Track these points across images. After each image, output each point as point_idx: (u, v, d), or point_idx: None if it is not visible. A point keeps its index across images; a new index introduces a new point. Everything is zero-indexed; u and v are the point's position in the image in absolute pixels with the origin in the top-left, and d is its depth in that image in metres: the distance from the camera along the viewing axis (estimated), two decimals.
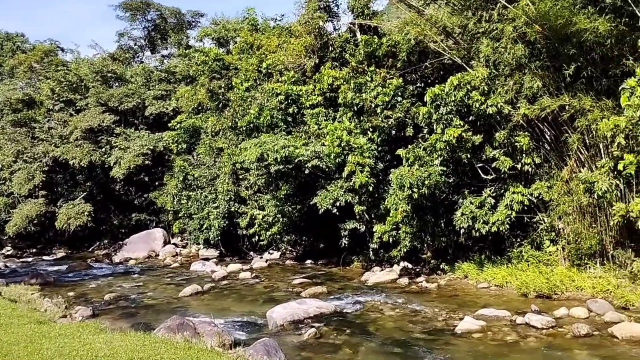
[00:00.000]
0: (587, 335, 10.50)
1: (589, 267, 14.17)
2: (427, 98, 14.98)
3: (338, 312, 13.33)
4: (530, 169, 14.92)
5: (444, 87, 14.85)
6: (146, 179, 28.84)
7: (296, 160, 17.42)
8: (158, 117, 28.21)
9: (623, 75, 12.72)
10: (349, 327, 12.08)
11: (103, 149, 26.70)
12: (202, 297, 16.11)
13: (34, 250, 29.85)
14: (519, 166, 14.94)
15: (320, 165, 17.48)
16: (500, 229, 14.71)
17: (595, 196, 12.71)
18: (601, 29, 12.43)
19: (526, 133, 14.81)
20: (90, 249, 29.05)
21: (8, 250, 30.16)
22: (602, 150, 13.76)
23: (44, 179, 26.22)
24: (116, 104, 27.72)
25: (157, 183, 28.00)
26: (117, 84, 29.05)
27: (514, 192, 14.86)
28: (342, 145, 16.87)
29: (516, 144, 14.81)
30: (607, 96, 13.32)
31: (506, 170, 14.84)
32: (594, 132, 13.36)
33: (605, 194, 12.42)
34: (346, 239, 18.21)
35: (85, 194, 27.70)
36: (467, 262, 16.43)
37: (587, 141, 13.92)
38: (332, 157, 16.96)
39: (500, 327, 11.34)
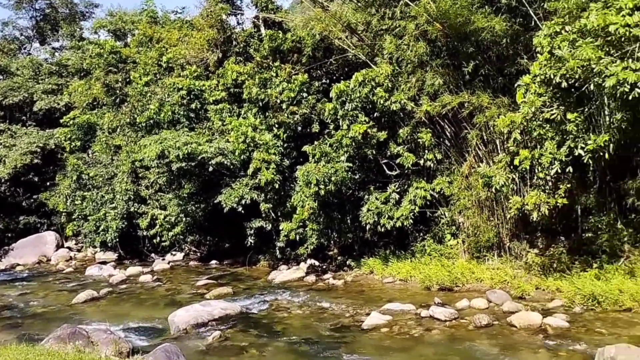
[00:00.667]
0: (488, 326, 10.78)
1: (488, 259, 14.67)
2: (332, 94, 14.92)
3: (244, 313, 12.92)
4: (432, 165, 15.22)
5: (349, 83, 14.85)
6: (36, 179, 26.72)
7: (199, 158, 16.78)
8: (49, 112, 26.23)
9: (518, 73, 13.27)
10: (256, 327, 11.73)
11: None
12: (98, 303, 15.11)
13: None
14: (421, 162, 15.21)
15: (225, 163, 16.95)
16: (405, 223, 14.92)
17: (493, 190, 13.15)
18: (497, 28, 12.88)
19: (428, 130, 15.12)
20: None
21: None
22: (499, 146, 14.31)
23: None
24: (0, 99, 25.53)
25: (48, 183, 26.04)
26: (0, 77, 26.70)
27: (417, 188, 15.12)
28: (247, 141, 16.45)
29: (419, 140, 15.07)
30: (503, 94, 13.85)
31: (409, 166, 15.08)
32: (491, 129, 13.85)
33: (502, 188, 12.87)
34: (252, 237, 17.78)
35: None
36: (373, 258, 16.53)
37: (485, 137, 14.41)
38: (236, 153, 16.50)
39: (406, 321, 11.42)
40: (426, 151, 15.11)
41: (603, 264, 12.30)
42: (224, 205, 16.93)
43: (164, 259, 21.44)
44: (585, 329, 10.28)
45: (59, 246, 25.12)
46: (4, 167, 23.41)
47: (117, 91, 22.02)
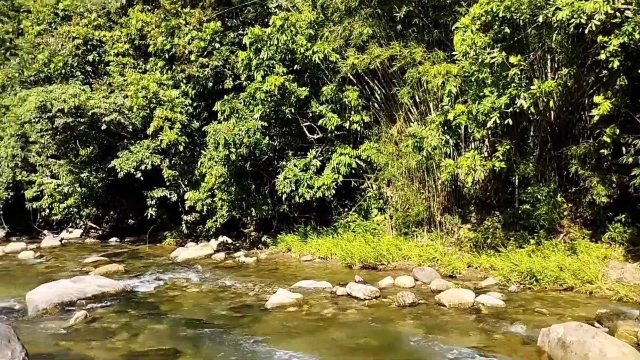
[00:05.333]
0: (413, 305, 9.17)
1: (417, 235, 13.13)
2: (246, 40, 12.90)
3: (128, 291, 10.75)
4: (359, 129, 13.55)
5: (267, 30, 12.89)
6: None
7: (90, 113, 14.34)
8: None
9: (454, 23, 11.68)
10: (136, 308, 9.61)
11: None
12: None
13: None
14: (346, 125, 13.49)
15: (122, 121, 14.63)
16: (326, 194, 13.18)
17: (424, 154, 11.53)
18: None
19: (355, 88, 13.39)
20: None
21: None
22: (432, 108, 12.77)
23: None
24: None
25: None
26: None
27: (341, 154, 13.43)
28: (149, 97, 14.19)
29: (344, 100, 13.32)
30: (439, 47, 12.29)
31: (333, 129, 13.35)
32: (424, 86, 12.27)
33: (435, 151, 11.32)
34: (154, 209, 15.59)
35: None
36: (291, 234, 14.75)
37: (418, 97, 12.84)
38: (135, 110, 14.20)
39: (319, 300, 9.63)
40: (352, 112, 13.38)
41: (541, 240, 10.92)
42: (119, 170, 14.62)
43: (56, 236, 18.82)
44: (523, 308, 8.81)
45: None
46: None
47: (8, 43, 19.12)
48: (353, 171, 13.57)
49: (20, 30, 19.13)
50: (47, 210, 17.00)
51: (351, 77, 13.50)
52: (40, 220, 19.37)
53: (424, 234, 13.04)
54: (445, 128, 11.21)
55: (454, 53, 10.18)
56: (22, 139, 18.20)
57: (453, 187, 12.80)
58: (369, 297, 9.64)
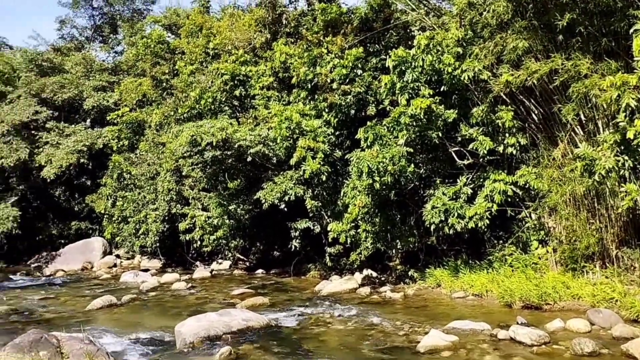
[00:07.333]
0: (593, 354, 7.80)
1: (587, 271, 11.46)
2: (389, 63, 12.31)
3: (272, 326, 10.43)
4: (514, 152, 12.28)
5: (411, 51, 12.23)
6: (88, 182, 25.66)
7: (236, 146, 14.55)
8: (100, 111, 25.13)
9: (629, 29, 10.16)
10: (281, 344, 9.20)
11: (34, 146, 23.45)
12: (115, 310, 13.10)
13: None
14: (500, 149, 12.29)
15: (266, 153, 14.68)
16: (479, 225, 12.00)
17: (596, 178, 10.01)
18: None
19: (509, 108, 12.21)
20: (28, 262, 25.75)
21: None
22: (601, 126, 11.20)
23: None
24: (50, 95, 24.56)
25: (96, 186, 24.77)
26: (57, 76, 25.86)
27: (494, 181, 12.20)
28: (292, 127, 14.09)
29: (497, 121, 12.18)
30: (608, 58, 10.78)
31: (485, 153, 12.21)
32: (593, 102, 10.78)
33: (610, 174, 9.78)
34: (297, 240, 15.34)
35: (16, 198, 24.36)
36: (441, 269, 13.67)
37: (584, 115, 11.33)
38: (278, 141, 14.16)
39: (477, 344, 8.56)
40: (507, 135, 12.18)
41: None
42: (264, 201, 14.59)
43: (207, 267, 19.40)
44: None
45: (105, 253, 23.64)
46: (51, 167, 22.26)
47: (164, 83, 20.43)
48: (508, 199, 12.29)
49: (175, 71, 20.35)
50: (199, 242, 17.53)
51: (504, 97, 12.36)
52: (193, 252, 20.11)
53: (597, 270, 11.35)
54: (622, 148, 9.70)
55: (632, 61, 8.76)
56: (176, 173, 19.10)
57: (631, 216, 11.04)
58: (537, 342, 8.39)
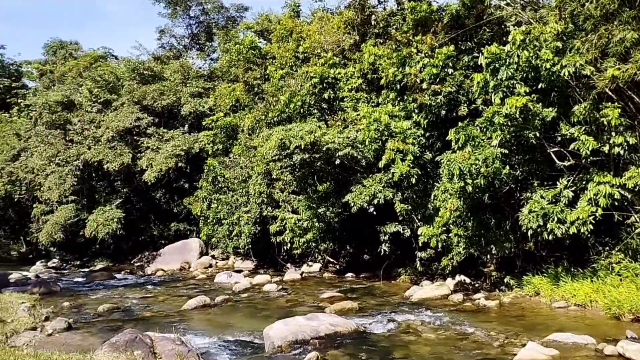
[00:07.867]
0: None
1: None
2: (482, 60, 11.79)
3: (360, 332, 10.26)
4: (622, 152, 11.35)
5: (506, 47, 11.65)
6: (186, 185, 26.72)
7: (324, 149, 14.53)
8: (197, 117, 26.14)
9: None
10: (369, 351, 9.02)
11: (137, 151, 24.76)
12: (209, 310, 13.45)
13: (78, 262, 28.40)
14: (605, 149, 11.40)
15: (355, 155, 14.53)
16: (582, 230, 11.19)
17: None
18: None
19: (616, 105, 11.31)
20: (131, 262, 27.26)
21: (54, 262, 28.91)
22: None
23: (75, 183, 24.49)
24: (151, 102, 25.84)
25: (193, 189, 25.75)
26: (157, 84, 27.18)
27: (599, 183, 11.34)
28: (381, 129, 13.87)
29: (602, 119, 11.31)
30: None
31: (588, 153, 11.38)
32: None
33: None
34: (386, 244, 15.08)
35: (121, 200, 25.84)
36: (540, 276, 12.92)
37: None
38: (367, 143, 13.98)
39: (581, 359, 7.93)
40: (613, 134, 11.28)
41: None
42: (352, 204, 14.47)
43: (297, 269, 19.56)
44: None
45: (202, 254, 24.50)
46: (151, 170, 23.38)
47: (256, 88, 20.85)
48: (615, 203, 11.38)
49: (266, 76, 20.74)
50: (289, 245, 17.69)
51: (609, 93, 11.46)
52: (284, 254, 20.35)
53: None
54: None
55: None
56: (267, 176, 19.44)
57: None
58: None
